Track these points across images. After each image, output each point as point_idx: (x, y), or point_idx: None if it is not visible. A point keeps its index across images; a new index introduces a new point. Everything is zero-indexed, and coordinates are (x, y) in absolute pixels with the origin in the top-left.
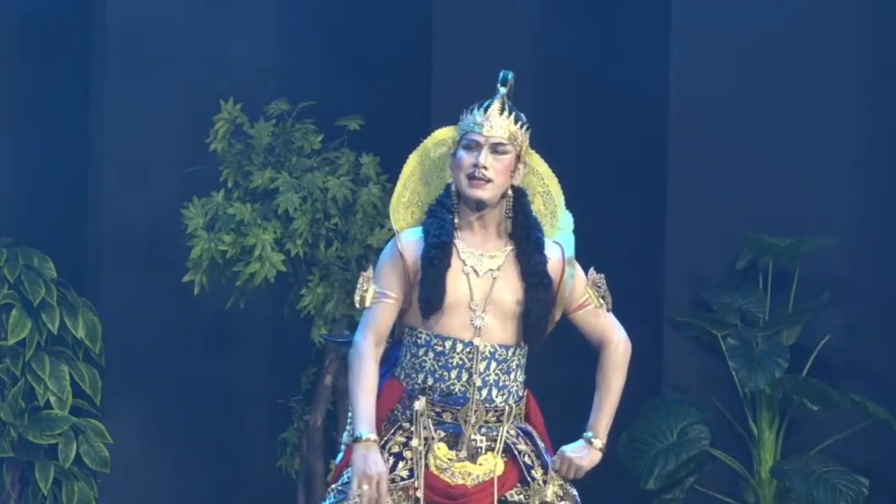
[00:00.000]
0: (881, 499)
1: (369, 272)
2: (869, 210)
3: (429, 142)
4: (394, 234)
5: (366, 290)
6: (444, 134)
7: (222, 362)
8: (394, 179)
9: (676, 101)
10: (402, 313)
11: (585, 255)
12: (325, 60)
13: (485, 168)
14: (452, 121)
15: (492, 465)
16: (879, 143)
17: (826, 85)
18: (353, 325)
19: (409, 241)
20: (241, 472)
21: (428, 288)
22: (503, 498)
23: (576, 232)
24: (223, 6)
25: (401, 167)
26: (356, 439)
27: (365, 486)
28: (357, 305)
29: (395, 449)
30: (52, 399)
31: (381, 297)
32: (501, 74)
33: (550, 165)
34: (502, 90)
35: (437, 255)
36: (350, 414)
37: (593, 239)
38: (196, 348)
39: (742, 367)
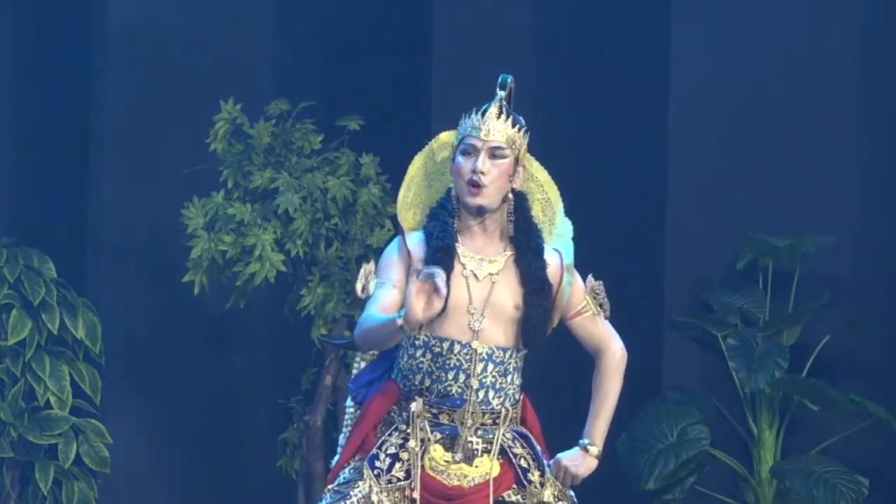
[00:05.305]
0: (881, 499)
1: (371, 265)
2: (869, 210)
3: (434, 144)
4: (394, 234)
5: (368, 280)
6: (449, 137)
7: (222, 362)
8: (394, 179)
9: (677, 101)
10: None
11: (586, 255)
12: (325, 60)
13: (482, 174)
14: (452, 121)
15: (488, 467)
16: (880, 142)
17: (826, 84)
18: (352, 326)
19: (414, 241)
20: (241, 472)
21: None
22: (500, 499)
23: (575, 238)
24: (223, 6)
25: (401, 167)
26: (398, 319)
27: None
28: (359, 294)
29: (392, 450)
30: (52, 399)
31: (384, 283)
32: (500, 78)
33: (550, 167)
34: (501, 94)
35: (443, 257)
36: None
37: (593, 239)
38: (196, 348)
39: (742, 368)
